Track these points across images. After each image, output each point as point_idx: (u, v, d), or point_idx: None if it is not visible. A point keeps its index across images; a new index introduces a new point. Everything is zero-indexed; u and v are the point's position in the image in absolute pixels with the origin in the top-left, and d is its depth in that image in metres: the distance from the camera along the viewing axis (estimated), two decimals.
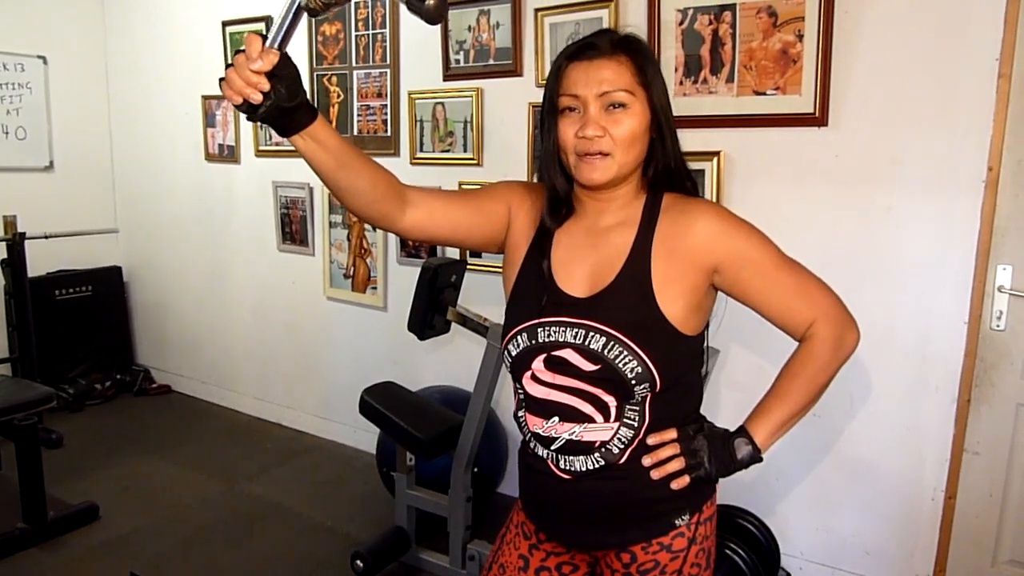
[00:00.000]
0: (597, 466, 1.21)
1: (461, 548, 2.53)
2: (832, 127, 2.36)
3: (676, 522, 1.24)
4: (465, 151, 3.16)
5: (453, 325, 2.57)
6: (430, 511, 2.64)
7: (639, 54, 1.19)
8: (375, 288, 3.58)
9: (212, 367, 4.46)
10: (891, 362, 2.38)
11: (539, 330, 1.21)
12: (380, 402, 2.57)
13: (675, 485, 1.22)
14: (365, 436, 3.60)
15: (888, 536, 2.47)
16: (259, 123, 1.08)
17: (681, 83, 2.58)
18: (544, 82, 2.85)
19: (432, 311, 2.50)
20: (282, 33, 1.07)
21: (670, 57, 2.59)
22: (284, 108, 1.05)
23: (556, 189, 1.26)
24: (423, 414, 2.57)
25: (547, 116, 1.23)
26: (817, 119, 2.36)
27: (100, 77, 4.59)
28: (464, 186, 3.16)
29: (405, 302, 2.63)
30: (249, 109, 1.04)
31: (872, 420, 2.44)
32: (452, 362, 3.34)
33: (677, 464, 1.21)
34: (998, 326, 2.26)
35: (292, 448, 3.83)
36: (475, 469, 2.54)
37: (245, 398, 4.32)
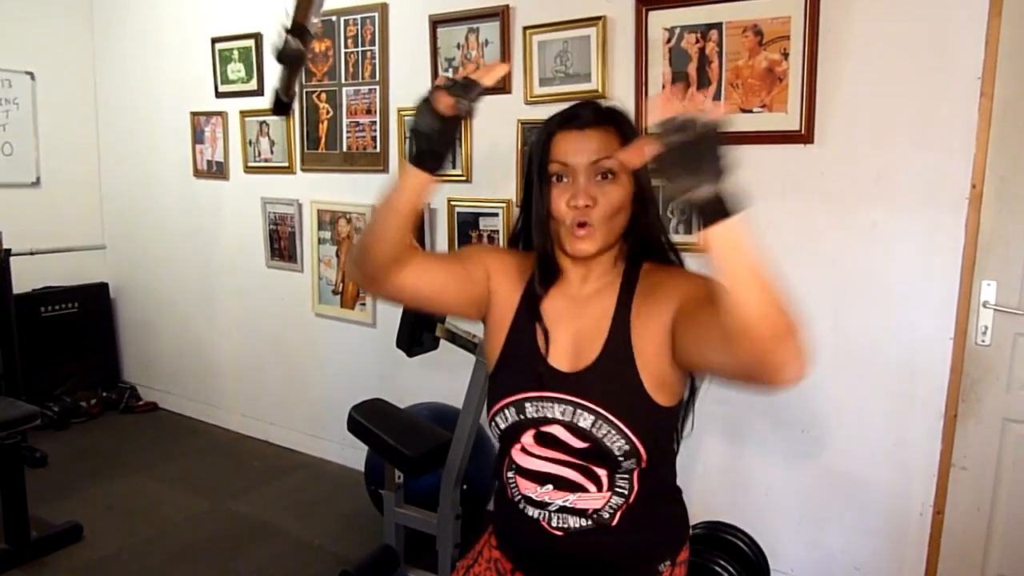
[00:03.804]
0: (589, 527, 1.23)
1: (450, 566, 2.51)
2: (818, 144, 2.39)
3: (660, 568, 1.29)
4: (454, 168, 3.17)
5: (442, 342, 2.56)
6: (419, 529, 2.62)
7: (625, 125, 1.23)
8: (364, 304, 3.58)
9: (199, 384, 4.43)
10: (878, 377, 2.39)
11: (527, 405, 1.22)
12: (368, 419, 2.56)
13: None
14: (353, 453, 3.58)
15: (877, 551, 2.47)
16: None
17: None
18: (532, 99, 2.89)
19: (421, 328, 2.49)
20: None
21: (657, 75, 2.61)
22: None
23: (548, 253, 1.27)
24: (411, 431, 2.56)
25: (536, 182, 1.24)
26: (803, 136, 2.38)
27: (88, 93, 4.58)
28: (453, 202, 3.17)
29: (393, 319, 2.63)
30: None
31: (860, 435, 2.45)
32: (440, 379, 3.33)
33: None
34: (983, 341, 2.27)
35: (280, 466, 3.80)
36: (464, 487, 2.53)
37: (232, 415, 4.29)
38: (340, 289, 3.66)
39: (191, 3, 4.03)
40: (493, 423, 1.27)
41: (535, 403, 1.22)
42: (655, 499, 1.27)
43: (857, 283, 2.39)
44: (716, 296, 0.98)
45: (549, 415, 1.20)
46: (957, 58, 2.17)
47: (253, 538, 3.08)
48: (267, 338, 4.03)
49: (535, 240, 1.27)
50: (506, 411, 1.24)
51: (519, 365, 1.26)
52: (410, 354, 2.52)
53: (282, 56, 1.02)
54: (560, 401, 1.20)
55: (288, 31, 1.02)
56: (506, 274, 1.33)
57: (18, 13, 4.24)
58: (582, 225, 1.19)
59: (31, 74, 4.28)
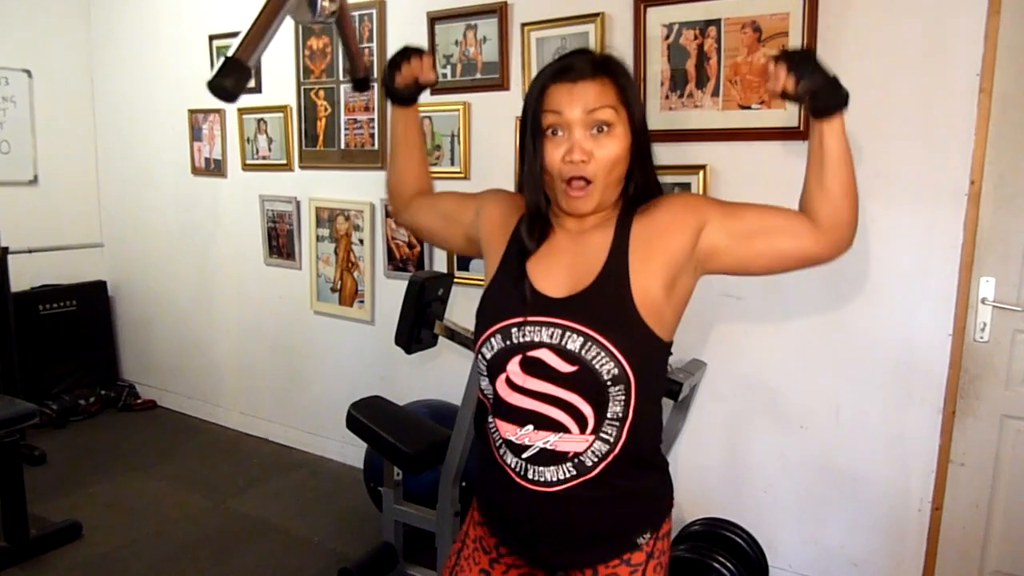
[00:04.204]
0: (568, 476, 1.20)
1: None
2: None
3: (638, 541, 1.26)
4: (452, 165, 3.17)
5: (440, 339, 2.56)
6: (418, 526, 2.62)
7: (621, 75, 1.22)
8: (362, 302, 3.57)
9: (198, 382, 4.42)
10: (876, 374, 2.40)
11: (513, 330, 1.20)
12: (367, 416, 2.56)
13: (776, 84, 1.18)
14: (352, 451, 3.58)
15: (875, 547, 2.48)
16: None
17: (667, 97, 2.60)
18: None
19: (419, 325, 2.49)
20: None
21: (656, 72, 2.60)
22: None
23: (538, 209, 1.27)
24: (410, 428, 2.55)
25: (530, 136, 1.22)
26: (802, 133, 2.38)
27: (85, 90, 4.57)
28: None
29: (392, 316, 2.63)
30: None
31: (858, 432, 2.45)
32: (439, 376, 3.33)
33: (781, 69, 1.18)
34: (982, 338, 2.27)
35: (279, 463, 3.80)
36: (463, 483, 2.53)
37: (231, 413, 4.29)
38: (338, 287, 3.65)
39: (188, 0, 4.02)
40: (479, 355, 1.25)
41: (522, 328, 1.20)
42: (640, 459, 1.24)
43: (855, 279, 2.39)
44: (745, 206, 1.27)
45: (536, 339, 1.18)
46: (956, 54, 2.17)
47: (252, 536, 3.08)
48: (266, 336, 4.03)
49: (526, 196, 1.27)
50: (492, 339, 1.22)
51: (507, 295, 1.25)
52: (409, 351, 2.52)
53: (210, 86, 0.99)
54: (549, 324, 1.18)
55: (225, 63, 0.98)
56: (499, 214, 1.35)
57: (15, 11, 4.23)
58: (577, 181, 1.19)
59: (28, 72, 4.27)
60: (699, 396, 2.67)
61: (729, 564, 2.25)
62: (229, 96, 0.97)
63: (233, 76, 0.96)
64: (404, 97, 1.47)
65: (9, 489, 2.83)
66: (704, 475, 2.73)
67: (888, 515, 2.44)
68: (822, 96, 1.16)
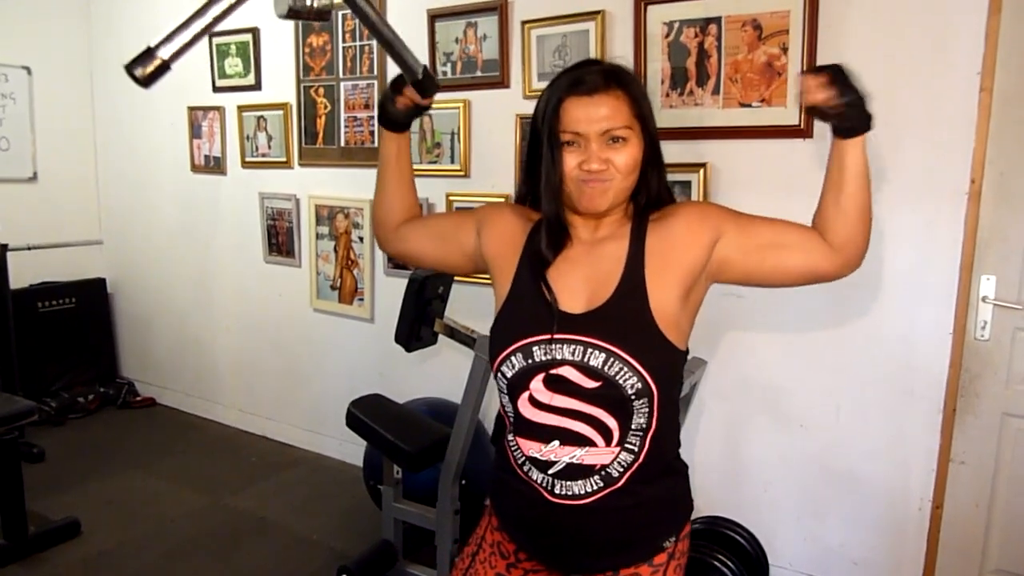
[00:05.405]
0: (596, 488, 1.21)
1: (448, 562, 2.51)
2: (817, 139, 2.38)
3: (664, 544, 1.27)
4: (452, 162, 3.16)
5: (440, 337, 2.56)
6: (417, 524, 2.62)
7: (634, 86, 1.23)
8: (362, 300, 3.57)
9: (197, 380, 4.42)
10: (877, 372, 2.39)
11: (535, 349, 1.20)
12: (367, 414, 2.56)
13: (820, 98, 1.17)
14: (352, 449, 3.58)
15: (875, 546, 2.48)
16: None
17: (667, 95, 2.59)
18: (531, 94, 2.88)
19: (419, 323, 2.48)
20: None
21: (656, 69, 2.60)
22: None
23: (558, 218, 1.26)
24: (410, 426, 2.55)
25: (548, 148, 1.23)
26: (802, 131, 2.38)
27: (85, 87, 4.57)
28: (451, 197, 3.17)
29: (392, 314, 2.62)
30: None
31: (858, 430, 2.45)
32: (439, 374, 3.33)
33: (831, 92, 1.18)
34: (982, 336, 2.27)
35: (278, 461, 3.80)
36: (463, 481, 2.53)
37: (230, 411, 4.28)
38: (338, 284, 3.65)
39: None
40: (499, 373, 1.24)
41: (544, 346, 1.19)
42: (663, 465, 1.25)
43: (856, 278, 2.37)
44: (761, 220, 1.27)
45: (559, 357, 1.18)
46: (957, 53, 2.17)
47: (251, 534, 3.07)
48: (265, 333, 4.02)
49: (545, 206, 1.26)
50: (512, 358, 1.22)
51: (526, 312, 1.24)
52: (408, 349, 2.52)
53: (125, 68, 1.02)
54: (570, 342, 1.18)
55: (142, 53, 1.00)
56: (506, 229, 1.34)
57: (14, 7, 4.22)
58: (594, 182, 1.21)
59: (28, 69, 4.26)
60: (699, 395, 2.66)
61: (730, 563, 2.25)
62: (140, 84, 1.02)
63: (142, 67, 1.01)
64: (400, 122, 1.43)
65: (8, 486, 2.83)
66: (704, 473, 2.73)
67: (888, 513, 2.44)
68: (855, 113, 1.17)
